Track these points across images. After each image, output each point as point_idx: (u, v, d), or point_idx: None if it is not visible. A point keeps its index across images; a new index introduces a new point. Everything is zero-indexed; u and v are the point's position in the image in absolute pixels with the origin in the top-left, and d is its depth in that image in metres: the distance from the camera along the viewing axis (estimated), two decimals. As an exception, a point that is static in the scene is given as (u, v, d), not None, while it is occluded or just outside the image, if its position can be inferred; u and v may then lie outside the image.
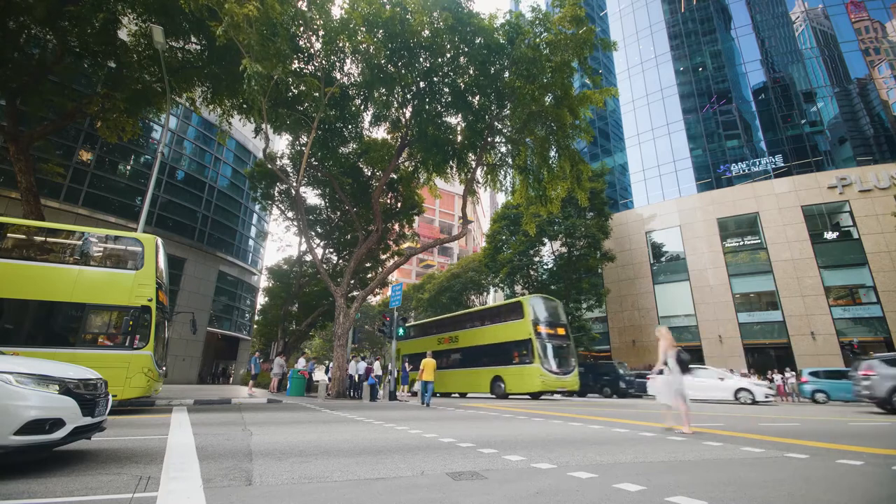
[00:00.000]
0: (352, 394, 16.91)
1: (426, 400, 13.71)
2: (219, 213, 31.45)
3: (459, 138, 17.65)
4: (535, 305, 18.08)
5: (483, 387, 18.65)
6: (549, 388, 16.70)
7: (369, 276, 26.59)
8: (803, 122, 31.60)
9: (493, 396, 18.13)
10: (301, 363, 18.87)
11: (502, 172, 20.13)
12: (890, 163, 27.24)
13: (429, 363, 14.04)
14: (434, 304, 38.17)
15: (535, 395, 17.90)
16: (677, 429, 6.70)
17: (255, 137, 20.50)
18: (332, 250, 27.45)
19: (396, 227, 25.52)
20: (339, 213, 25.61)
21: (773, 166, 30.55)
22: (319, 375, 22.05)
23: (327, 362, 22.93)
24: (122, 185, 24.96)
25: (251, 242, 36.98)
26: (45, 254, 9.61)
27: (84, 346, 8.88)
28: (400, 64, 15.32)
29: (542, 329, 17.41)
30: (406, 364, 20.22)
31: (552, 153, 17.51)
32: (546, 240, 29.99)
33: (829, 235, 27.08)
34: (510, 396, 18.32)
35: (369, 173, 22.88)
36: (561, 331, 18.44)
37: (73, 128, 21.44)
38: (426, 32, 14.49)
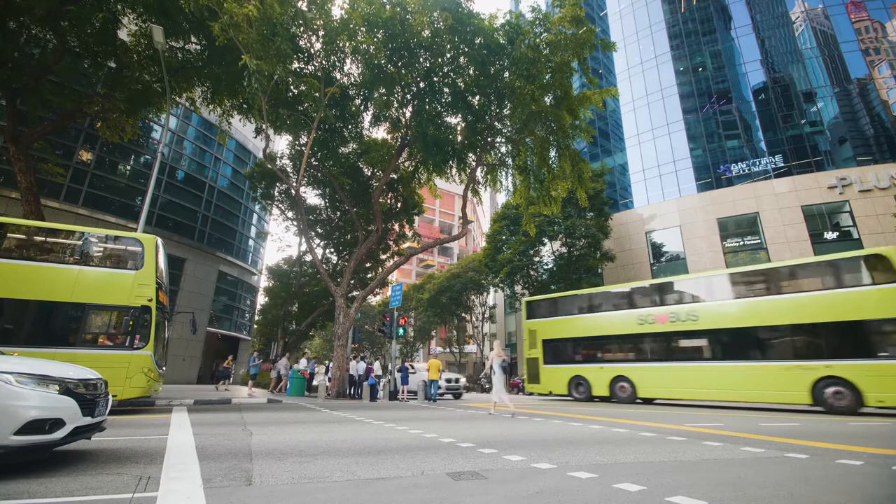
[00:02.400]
0: (352, 393, 16.91)
1: (431, 396, 15.18)
2: (219, 213, 31.44)
3: (459, 138, 17.65)
4: None
5: (786, 393, 11.84)
6: None
7: (369, 276, 26.59)
8: (803, 122, 31.57)
9: (823, 410, 11.27)
10: (303, 363, 18.91)
11: (502, 172, 20.12)
12: (890, 163, 27.21)
13: (433, 363, 15.57)
14: (434, 304, 38.14)
15: None
16: (501, 409, 9.78)
17: (255, 137, 20.51)
18: (332, 250, 27.44)
19: (396, 227, 25.51)
20: (339, 213, 25.60)
21: (773, 166, 30.53)
22: (318, 377, 21.95)
23: (327, 362, 22.85)
24: (122, 185, 24.94)
25: (251, 242, 36.96)
26: (45, 254, 9.61)
27: (84, 346, 8.89)
28: (400, 64, 15.33)
29: None
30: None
31: (552, 153, 17.51)
32: (546, 240, 29.95)
33: (829, 235, 27.05)
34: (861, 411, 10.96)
35: (369, 173, 22.87)
36: None
37: (73, 128, 21.42)
38: (426, 32, 14.50)
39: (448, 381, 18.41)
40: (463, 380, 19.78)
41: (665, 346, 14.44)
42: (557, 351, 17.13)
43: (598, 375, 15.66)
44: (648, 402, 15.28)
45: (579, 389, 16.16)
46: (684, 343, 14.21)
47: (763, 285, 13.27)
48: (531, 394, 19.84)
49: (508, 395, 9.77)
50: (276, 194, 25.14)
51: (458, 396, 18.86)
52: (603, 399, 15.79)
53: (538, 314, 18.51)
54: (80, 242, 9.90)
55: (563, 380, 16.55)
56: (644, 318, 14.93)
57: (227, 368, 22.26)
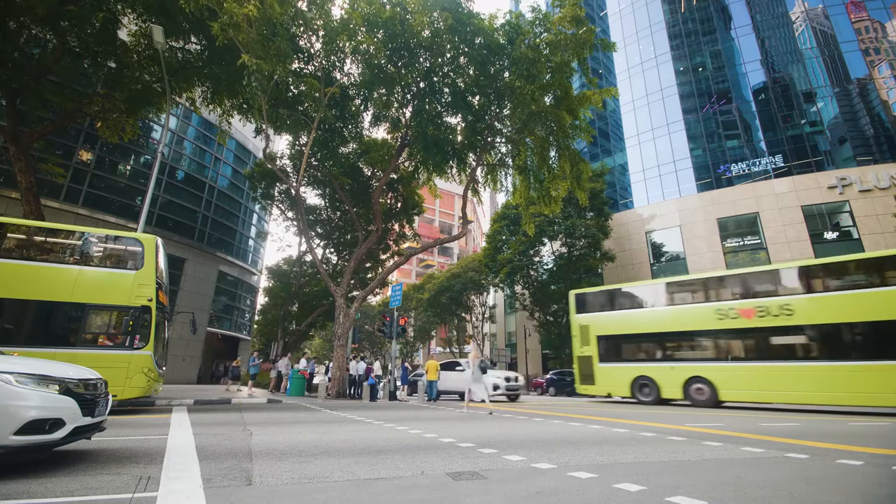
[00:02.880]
0: (352, 393, 16.91)
1: (432, 396, 15.36)
2: (219, 213, 31.44)
3: (459, 138, 17.66)
4: None
5: None
6: None
7: (369, 276, 26.59)
8: (803, 122, 31.58)
9: None
10: (302, 363, 18.92)
11: (502, 172, 20.11)
12: (890, 163, 27.22)
13: (432, 364, 15.61)
14: (434, 304, 38.14)
15: None
16: (489, 407, 10.86)
17: (255, 137, 20.50)
18: (332, 250, 27.45)
19: (396, 227, 25.52)
20: (339, 213, 25.61)
21: (773, 166, 30.53)
22: (318, 377, 21.83)
23: (327, 362, 22.82)
24: (122, 185, 24.95)
25: (251, 242, 36.97)
26: (45, 254, 9.61)
27: (84, 346, 8.89)
28: (400, 64, 15.33)
29: None
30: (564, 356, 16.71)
31: (552, 153, 17.51)
32: (546, 240, 29.98)
33: (829, 235, 27.06)
34: None
35: (369, 173, 22.88)
36: None
37: (73, 128, 21.43)
38: (426, 32, 14.50)
39: (508, 379, 15.77)
40: (522, 379, 16.90)
41: (753, 344, 12.96)
42: (617, 348, 15.53)
43: (669, 376, 14.01)
44: (718, 404, 13.35)
45: (644, 391, 14.46)
46: (778, 340, 12.65)
47: (878, 275, 11.65)
48: (582, 395, 17.87)
49: (481, 396, 10.87)
50: (276, 194, 25.14)
51: (514, 398, 16.26)
52: (665, 402, 14.29)
53: (591, 308, 16.76)
54: (80, 242, 9.90)
55: (625, 380, 14.88)
56: (724, 313, 13.36)
57: (237, 367, 22.43)
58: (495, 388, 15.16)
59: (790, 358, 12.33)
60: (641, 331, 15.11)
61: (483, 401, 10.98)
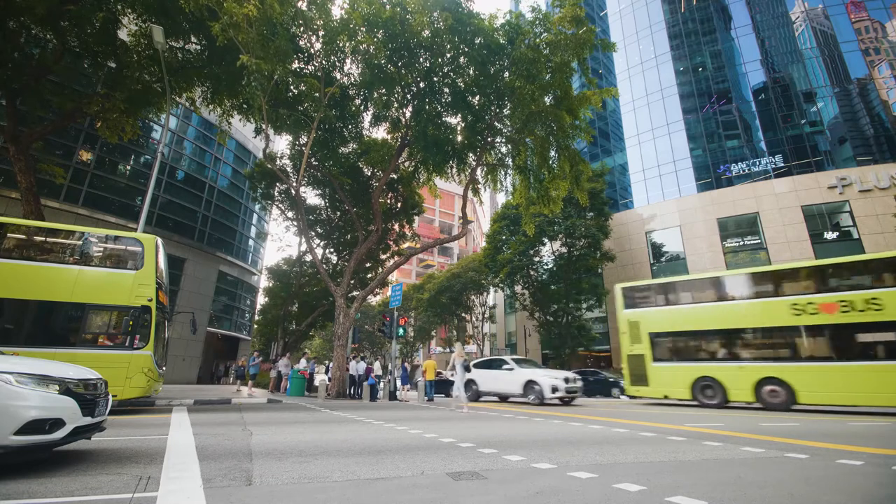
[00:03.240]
0: (352, 393, 16.91)
1: (429, 395, 15.53)
2: (219, 213, 31.44)
3: (459, 138, 17.66)
4: None
5: None
6: None
7: (369, 276, 26.59)
8: (803, 122, 31.59)
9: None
10: (302, 363, 18.92)
11: (502, 172, 20.10)
12: (890, 163, 27.23)
13: (430, 364, 15.83)
14: (434, 304, 38.14)
15: None
16: (464, 406, 11.22)
17: (255, 137, 20.50)
18: (332, 250, 27.45)
19: (396, 227, 25.52)
20: (339, 213, 25.62)
21: (773, 166, 30.54)
22: (318, 377, 21.76)
23: (327, 362, 22.79)
24: (122, 185, 24.95)
25: (251, 242, 36.97)
26: (45, 254, 9.62)
27: (84, 346, 8.89)
28: (400, 64, 15.33)
29: None
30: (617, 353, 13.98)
31: (552, 153, 17.49)
32: (546, 240, 29.97)
33: (829, 235, 27.06)
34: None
35: (369, 173, 22.87)
36: None
37: (73, 128, 21.43)
38: (426, 33, 14.50)
39: (567, 380, 13.66)
40: (580, 380, 14.92)
41: (837, 341, 11.74)
42: (673, 346, 14.35)
43: (737, 376, 12.83)
44: (791, 408, 12.10)
45: (707, 393, 13.25)
46: (866, 337, 11.45)
47: None
48: (634, 397, 16.28)
49: (456, 394, 11.38)
50: (276, 194, 25.15)
51: (569, 402, 14.32)
52: (723, 404, 13.05)
53: (642, 303, 15.53)
54: (80, 242, 9.91)
55: (685, 381, 13.62)
56: (802, 307, 12.10)
57: (242, 367, 22.52)
58: (554, 389, 13.32)
59: (881, 357, 11.12)
60: (704, 327, 13.86)
61: (455, 396, 11.56)
